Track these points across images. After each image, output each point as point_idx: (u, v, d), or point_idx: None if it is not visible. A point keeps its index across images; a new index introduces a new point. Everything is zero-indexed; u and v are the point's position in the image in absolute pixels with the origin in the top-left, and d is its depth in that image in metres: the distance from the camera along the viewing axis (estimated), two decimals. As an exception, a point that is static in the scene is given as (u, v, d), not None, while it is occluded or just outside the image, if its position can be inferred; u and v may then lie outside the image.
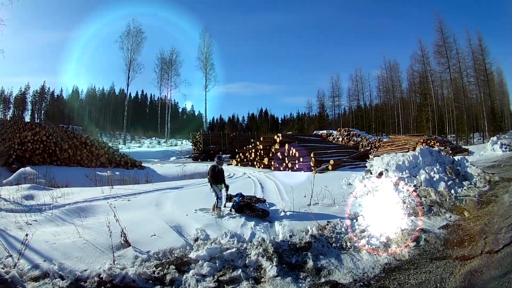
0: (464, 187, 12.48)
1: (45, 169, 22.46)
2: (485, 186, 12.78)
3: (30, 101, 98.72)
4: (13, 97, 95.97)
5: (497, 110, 60.01)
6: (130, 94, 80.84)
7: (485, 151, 32.66)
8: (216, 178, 11.24)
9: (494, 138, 34.16)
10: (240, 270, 7.21)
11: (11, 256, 7.29)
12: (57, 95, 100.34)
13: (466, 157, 17.39)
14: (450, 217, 10.16)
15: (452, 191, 11.94)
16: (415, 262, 7.42)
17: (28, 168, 23.00)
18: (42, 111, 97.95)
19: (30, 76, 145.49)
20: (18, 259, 7.15)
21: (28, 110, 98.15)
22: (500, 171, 16.68)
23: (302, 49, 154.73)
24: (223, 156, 26.20)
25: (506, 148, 31.04)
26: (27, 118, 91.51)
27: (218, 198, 10.98)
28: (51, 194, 13.78)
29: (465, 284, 6.22)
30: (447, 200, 11.28)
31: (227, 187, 11.69)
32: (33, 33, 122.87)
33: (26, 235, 7.61)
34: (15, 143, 25.73)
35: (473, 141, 54.79)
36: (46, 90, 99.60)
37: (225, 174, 11.94)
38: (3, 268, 6.66)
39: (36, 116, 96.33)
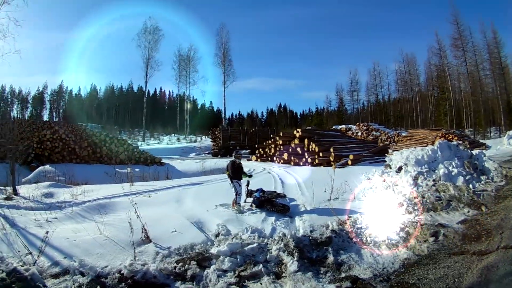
0: (482, 182, 12.38)
1: (64, 167, 22.85)
2: (502, 181, 12.65)
3: (48, 100, 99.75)
4: (31, 97, 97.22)
5: (513, 104, 59.23)
6: (148, 91, 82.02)
7: (501, 145, 32.19)
8: (235, 173, 11.31)
9: (510, 132, 33.76)
10: (261, 265, 7.26)
11: (30, 253, 7.34)
12: (75, 94, 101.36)
13: (484, 151, 17.22)
14: (468, 212, 10.11)
15: (470, 186, 11.86)
16: (434, 257, 7.42)
17: (47, 166, 23.26)
18: (61, 110, 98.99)
19: (47, 76, 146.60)
20: (38, 256, 7.20)
21: (46, 109, 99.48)
22: (516, 165, 16.42)
23: (320, 43, 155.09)
24: (242, 151, 26.24)
25: (522, 142, 30.73)
26: (46, 117, 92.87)
27: (237, 194, 11.06)
28: (71, 192, 13.90)
29: (481, 279, 6.18)
30: (465, 194, 11.20)
31: (247, 183, 11.86)
32: (50, 33, 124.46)
33: (47, 232, 7.68)
34: (34, 142, 25.98)
35: (490, 135, 54.34)
36: (64, 89, 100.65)
37: (245, 169, 11.96)
38: (23, 266, 6.71)
39: (54, 115, 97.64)
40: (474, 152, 14.61)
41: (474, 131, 55.47)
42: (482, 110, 56.68)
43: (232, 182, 11.27)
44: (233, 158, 11.66)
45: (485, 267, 6.54)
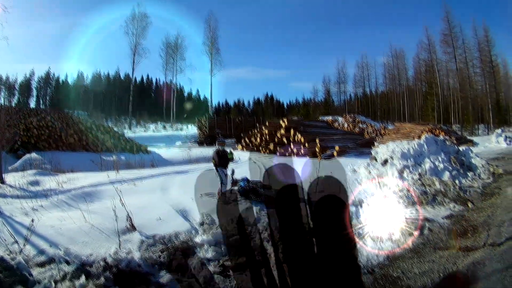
0: (468, 178, 12.43)
1: (50, 154, 22.81)
2: (489, 178, 12.72)
3: (35, 87, 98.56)
4: (18, 84, 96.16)
5: (503, 103, 59.59)
6: (135, 78, 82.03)
7: (489, 143, 32.35)
8: (220, 161, 11.41)
9: (499, 131, 34.02)
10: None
11: (16, 242, 7.31)
12: (62, 81, 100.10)
13: (471, 148, 17.35)
14: (454, 207, 10.16)
15: (457, 181, 11.90)
16: (419, 251, 7.45)
17: (33, 154, 23.31)
18: (47, 97, 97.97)
19: (34, 63, 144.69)
20: (24, 245, 7.17)
21: (33, 96, 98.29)
22: (504, 163, 16.60)
23: (308, 34, 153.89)
24: (228, 140, 26.27)
25: (510, 141, 30.84)
26: (32, 104, 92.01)
27: (222, 183, 11.14)
28: (57, 180, 13.94)
29: (467, 276, 6.20)
30: (451, 190, 11.25)
31: (233, 171, 11.82)
32: (37, 19, 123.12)
33: (32, 220, 7.65)
34: (20, 130, 25.96)
35: (478, 132, 54.75)
36: (51, 76, 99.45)
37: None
38: (9, 254, 6.67)
39: (41, 102, 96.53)
40: (461, 148, 14.71)
41: (461, 127, 56.03)
42: (471, 107, 57.17)
43: (217, 171, 11.36)
44: (217, 147, 11.77)
45: (471, 263, 6.57)
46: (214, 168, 11.64)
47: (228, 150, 11.96)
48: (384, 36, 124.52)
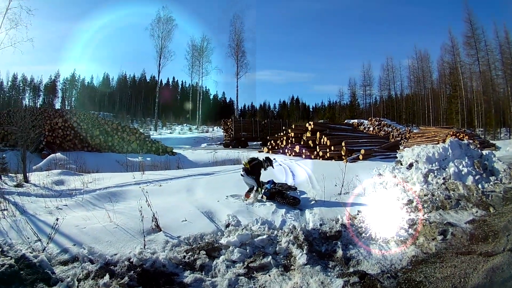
0: (491, 182, 12.18)
1: (75, 155, 23.09)
2: (510, 183, 12.40)
3: (60, 89, 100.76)
4: (43, 85, 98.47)
5: (524, 107, 58.84)
6: (161, 81, 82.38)
7: (511, 147, 32.06)
8: (253, 170, 11.31)
9: (520, 134, 33.80)
10: (270, 257, 7.27)
11: (40, 240, 7.40)
12: (88, 83, 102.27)
13: (493, 151, 17.11)
14: (477, 212, 10.04)
15: (479, 186, 11.70)
16: (442, 256, 7.37)
17: (58, 154, 23.67)
18: (73, 98, 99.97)
19: (60, 65, 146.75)
20: (47, 243, 7.24)
21: (58, 97, 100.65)
22: (524, 168, 16.36)
23: (334, 37, 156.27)
24: (252, 143, 25.88)
25: (531, 145, 30.58)
26: (58, 105, 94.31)
27: (253, 189, 11.07)
28: (82, 179, 14.06)
29: (486, 281, 6.18)
30: (474, 194, 11.09)
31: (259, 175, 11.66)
32: (63, 23, 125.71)
33: (57, 219, 7.72)
34: (46, 130, 26.34)
35: (500, 136, 54.32)
36: (76, 78, 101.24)
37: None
38: (31, 252, 6.74)
39: (66, 103, 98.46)
40: (484, 152, 14.46)
41: (484, 131, 55.42)
42: (493, 110, 56.59)
43: (247, 175, 11.23)
44: (260, 156, 11.77)
45: (491, 268, 6.53)
46: (242, 171, 11.48)
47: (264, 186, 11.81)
48: (409, 38, 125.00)
